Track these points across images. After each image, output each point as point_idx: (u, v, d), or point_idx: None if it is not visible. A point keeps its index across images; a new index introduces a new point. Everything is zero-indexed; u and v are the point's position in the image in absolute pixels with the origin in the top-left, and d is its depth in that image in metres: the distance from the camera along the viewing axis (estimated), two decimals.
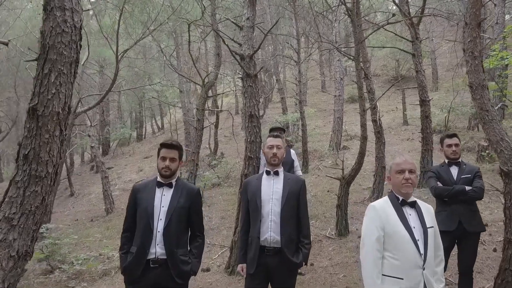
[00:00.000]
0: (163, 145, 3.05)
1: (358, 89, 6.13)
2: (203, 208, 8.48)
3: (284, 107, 15.26)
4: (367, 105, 6.37)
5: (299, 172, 5.33)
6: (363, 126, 6.13)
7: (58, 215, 13.08)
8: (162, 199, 2.97)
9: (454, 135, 4.03)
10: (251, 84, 5.32)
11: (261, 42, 5.17)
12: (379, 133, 7.70)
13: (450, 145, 3.98)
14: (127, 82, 15.17)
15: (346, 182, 6.28)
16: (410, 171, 2.58)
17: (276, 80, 15.87)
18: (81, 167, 21.59)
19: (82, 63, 12.61)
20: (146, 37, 10.17)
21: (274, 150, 3.14)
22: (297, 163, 5.33)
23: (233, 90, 22.62)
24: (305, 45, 18.75)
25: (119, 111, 26.89)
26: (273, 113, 22.11)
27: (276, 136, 3.25)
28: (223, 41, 5.09)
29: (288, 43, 12.08)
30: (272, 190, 3.09)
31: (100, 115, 21.48)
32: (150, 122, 28.06)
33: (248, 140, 5.28)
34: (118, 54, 9.61)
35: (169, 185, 3.02)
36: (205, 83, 8.32)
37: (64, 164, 17.21)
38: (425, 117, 8.31)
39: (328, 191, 8.97)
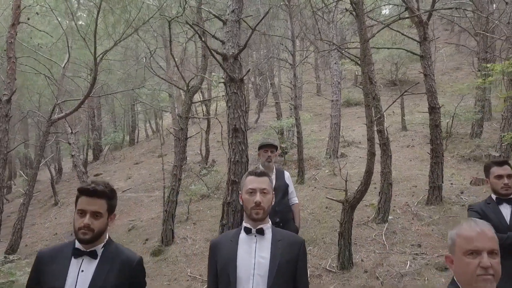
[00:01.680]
0: (82, 191, 1.89)
1: (364, 96, 4.99)
2: (187, 227, 7.27)
3: (278, 112, 14.10)
4: (371, 113, 5.23)
5: (294, 199, 4.16)
6: (371, 140, 4.99)
7: (37, 227, 11.87)
8: (79, 278, 1.81)
9: (504, 163, 2.88)
10: (235, 91, 4.16)
11: (248, 38, 4.02)
12: (385, 145, 6.56)
13: (500, 176, 2.84)
14: (116, 85, 13.97)
15: (350, 206, 5.13)
16: (491, 253, 1.43)
17: (270, 84, 14.71)
18: (72, 172, 20.27)
19: (62, 65, 11.43)
20: (127, 37, 8.99)
21: (257, 197, 1.96)
22: (292, 189, 4.17)
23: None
24: (300, 47, 17.61)
25: (113, 114, 25.65)
26: (268, 117, 20.94)
27: (261, 174, 2.07)
28: (200, 37, 3.93)
29: (282, 44, 10.96)
30: (254, 260, 1.91)
31: (90, 119, 20.26)
32: (144, 126, 26.83)
33: (232, 160, 4.11)
34: (97, 56, 8.40)
35: (92, 255, 1.86)
36: (189, 87, 7.15)
37: (49, 172, 15.98)
38: (435, 126, 7.19)
39: (326, 208, 7.82)
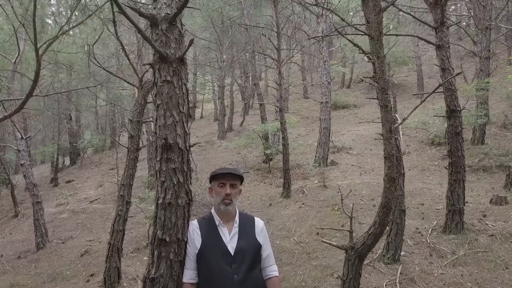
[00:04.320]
0: None
1: (380, 93, 3.11)
2: (144, 258, 5.07)
3: (263, 115, 12.20)
4: (390, 118, 3.33)
5: (272, 270, 2.23)
6: (390, 158, 3.10)
7: None
8: None
9: None
10: (169, 78, 2.23)
11: None
12: (397, 159, 4.68)
13: None
14: (83, 82, 11.88)
15: (358, 255, 3.23)
16: None
17: (254, 84, 12.83)
18: (45, 179, 18.03)
19: (13, 60, 9.33)
20: (77, 25, 7.02)
21: None
22: (268, 250, 2.24)
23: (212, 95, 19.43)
24: (288, 45, 15.73)
25: (96, 116, 23.42)
26: (254, 120, 19.04)
27: None
28: None
29: (265, 36, 9.09)
30: None
31: (67, 122, 18.08)
32: (127, 128, 24.63)
33: (160, 201, 2.17)
34: (39, 46, 6.31)
35: None
36: (142, 83, 5.19)
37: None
38: (455, 133, 5.36)
39: (318, 234, 5.91)
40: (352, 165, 10.31)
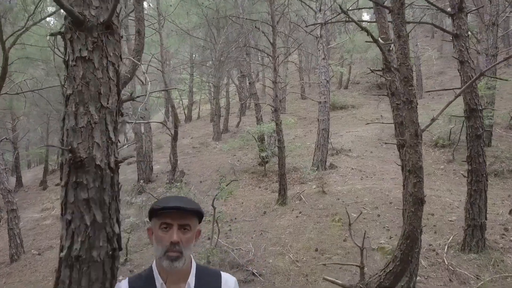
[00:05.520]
0: None
1: (403, 84, 2.25)
2: (119, 278, 4.34)
3: (258, 115, 11.34)
4: (416, 119, 2.45)
5: None
6: (416, 171, 2.25)
7: None
8: None
9: None
10: (86, 54, 1.31)
11: None
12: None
13: None
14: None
15: None
16: None
17: (249, 83, 11.98)
18: (34, 182, 17.05)
19: None
20: (49, 16, 6.16)
21: None
22: None
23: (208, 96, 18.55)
24: (285, 44, 14.86)
25: None
26: (251, 121, 18.15)
27: None
28: None
29: (259, 29, 8.25)
30: None
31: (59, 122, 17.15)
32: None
33: (63, 254, 1.26)
34: (5, 39, 5.46)
35: None
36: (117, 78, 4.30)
37: None
38: (476, 136, 4.51)
39: (316, 250, 5.05)
40: (352, 169, 9.46)
